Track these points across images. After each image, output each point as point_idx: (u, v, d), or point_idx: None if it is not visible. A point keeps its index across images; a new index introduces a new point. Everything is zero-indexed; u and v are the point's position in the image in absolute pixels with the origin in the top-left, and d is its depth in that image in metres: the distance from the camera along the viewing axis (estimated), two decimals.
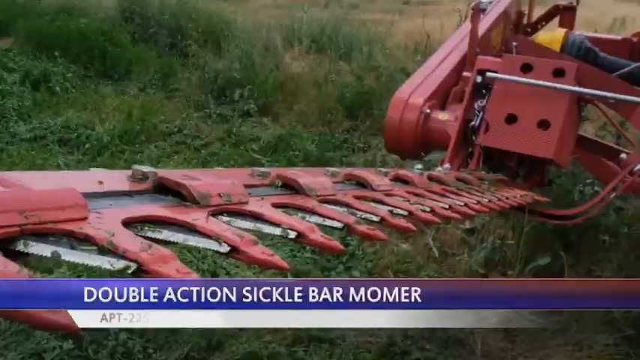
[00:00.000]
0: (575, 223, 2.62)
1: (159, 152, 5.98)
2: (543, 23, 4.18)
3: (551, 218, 2.50)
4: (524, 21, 4.12)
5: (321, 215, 0.92)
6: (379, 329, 3.40)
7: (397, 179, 1.34)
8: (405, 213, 1.11)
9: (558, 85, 2.34)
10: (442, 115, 2.62)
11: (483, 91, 2.50)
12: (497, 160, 2.44)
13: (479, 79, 2.50)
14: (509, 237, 3.81)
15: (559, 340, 3.27)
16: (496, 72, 2.49)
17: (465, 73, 2.73)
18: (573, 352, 3.15)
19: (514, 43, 3.20)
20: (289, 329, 3.32)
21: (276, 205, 0.88)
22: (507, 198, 1.80)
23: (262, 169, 1.05)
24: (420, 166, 2.08)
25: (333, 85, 7.21)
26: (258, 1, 17.38)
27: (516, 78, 2.40)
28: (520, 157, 2.38)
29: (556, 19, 4.21)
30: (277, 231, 0.82)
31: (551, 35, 3.53)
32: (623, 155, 2.66)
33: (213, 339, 3.21)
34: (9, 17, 10.34)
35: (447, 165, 2.31)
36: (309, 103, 6.84)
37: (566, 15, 4.12)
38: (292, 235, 0.82)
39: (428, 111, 2.64)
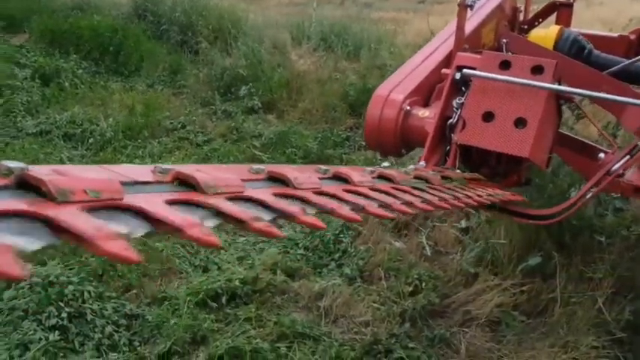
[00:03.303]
0: (551, 224, 2.58)
1: (161, 148, 6.01)
2: (540, 20, 4.13)
3: (526, 217, 2.45)
4: (521, 18, 4.07)
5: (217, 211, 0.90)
6: (365, 327, 3.39)
7: (336, 178, 1.32)
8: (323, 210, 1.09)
9: (533, 82, 2.30)
10: (422, 112, 2.59)
11: (462, 88, 2.47)
12: (475, 158, 2.41)
13: (457, 75, 2.47)
14: (501, 236, 3.77)
15: (547, 341, 3.23)
16: (474, 69, 2.46)
17: (445, 70, 2.70)
18: (559, 353, 3.11)
19: (504, 40, 3.16)
20: (274, 324, 3.32)
21: (168, 202, 0.86)
22: (469, 196, 1.77)
23: (164, 166, 0.98)
24: (386, 163, 2.07)
25: (337, 82, 7.19)
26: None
27: (493, 75, 2.37)
28: (497, 155, 2.35)
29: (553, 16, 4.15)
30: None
31: (545, 32, 3.49)
32: (602, 155, 2.61)
33: (197, 333, 3.22)
34: (24, 14, 10.45)
35: (421, 162, 2.28)
36: (314, 101, 6.83)
37: (563, 12, 4.07)
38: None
39: (408, 108, 2.61)
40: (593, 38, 3.63)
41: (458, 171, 2.25)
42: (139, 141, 6.11)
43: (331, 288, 3.65)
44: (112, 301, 3.43)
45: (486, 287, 3.55)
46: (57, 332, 3.17)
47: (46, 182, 0.70)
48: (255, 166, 1.16)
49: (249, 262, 3.94)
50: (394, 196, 1.35)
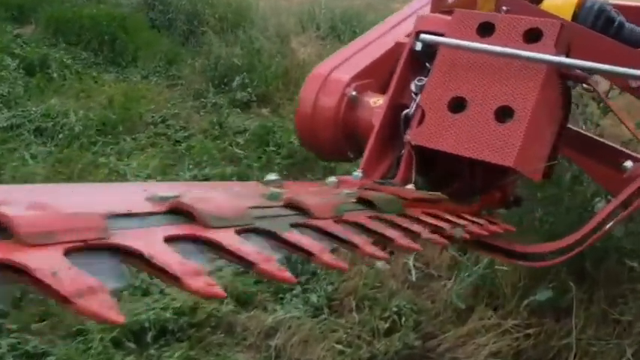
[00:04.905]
0: (556, 264, 1.81)
1: (133, 144, 5.42)
2: None
3: (514, 257, 1.69)
4: None
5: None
6: None
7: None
8: None
9: (526, 53, 1.55)
10: (375, 100, 1.85)
11: (427, 64, 1.73)
12: (441, 167, 1.67)
13: (418, 46, 1.73)
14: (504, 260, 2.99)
15: None
16: (442, 35, 1.71)
17: (400, 39, 1.94)
18: None
19: (504, 8, 2.39)
20: None
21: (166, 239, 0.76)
22: (404, 232, 1.06)
23: (161, 194, 0.87)
24: (333, 178, 1.38)
25: None
26: None
27: (466, 43, 1.62)
28: (471, 163, 1.60)
29: None
30: None
31: (562, 0, 2.70)
32: (628, 163, 1.81)
33: None
34: (32, 3, 10.26)
35: (356, 173, 1.55)
36: None
37: None
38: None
39: (354, 93, 1.87)
40: (626, 10, 2.82)
41: (411, 187, 1.51)
42: (110, 137, 5.52)
43: (288, 322, 2.94)
44: (13, 335, 2.78)
45: (482, 327, 2.80)
46: None
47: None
48: (271, 191, 1.04)
49: None
50: None
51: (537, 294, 2.76)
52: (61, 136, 5.59)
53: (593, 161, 2.04)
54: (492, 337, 2.73)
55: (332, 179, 1.36)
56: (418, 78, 1.71)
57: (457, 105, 1.60)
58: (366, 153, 1.67)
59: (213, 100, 6.55)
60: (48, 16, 9.05)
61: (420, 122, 1.62)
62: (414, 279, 3.19)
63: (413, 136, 1.61)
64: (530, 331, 2.74)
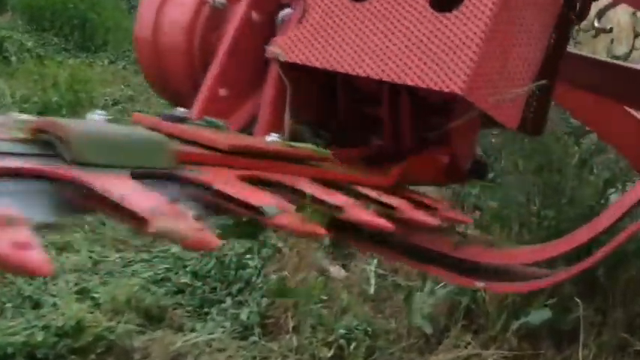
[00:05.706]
0: (557, 283, 1.09)
1: None
2: None
3: (461, 272, 0.96)
4: None
5: None
6: None
7: None
8: None
9: None
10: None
11: None
12: (343, 102, 0.96)
13: None
14: None
15: None
16: None
17: None
18: None
19: None
20: None
21: None
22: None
23: None
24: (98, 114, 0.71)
25: None
26: None
27: None
28: (391, 92, 0.89)
29: None
30: None
31: None
32: None
33: None
34: None
35: (180, 109, 0.85)
36: None
37: None
38: None
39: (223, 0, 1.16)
40: None
41: (274, 138, 0.81)
42: None
43: (201, 346, 2.26)
44: None
45: (457, 357, 2.10)
46: None
47: None
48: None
49: (97, 295, 2.58)
50: None
51: (531, 314, 2.06)
52: None
53: (609, 104, 1.29)
54: None
55: (96, 116, 0.68)
56: None
57: None
58: (207, 82, 0.96)
59: None
60: (23, 4, 8.79)
61: (300, 22, 0.92)
62: (371, 291, 2.48)
63: (282, 45, 0.89)
64: None
